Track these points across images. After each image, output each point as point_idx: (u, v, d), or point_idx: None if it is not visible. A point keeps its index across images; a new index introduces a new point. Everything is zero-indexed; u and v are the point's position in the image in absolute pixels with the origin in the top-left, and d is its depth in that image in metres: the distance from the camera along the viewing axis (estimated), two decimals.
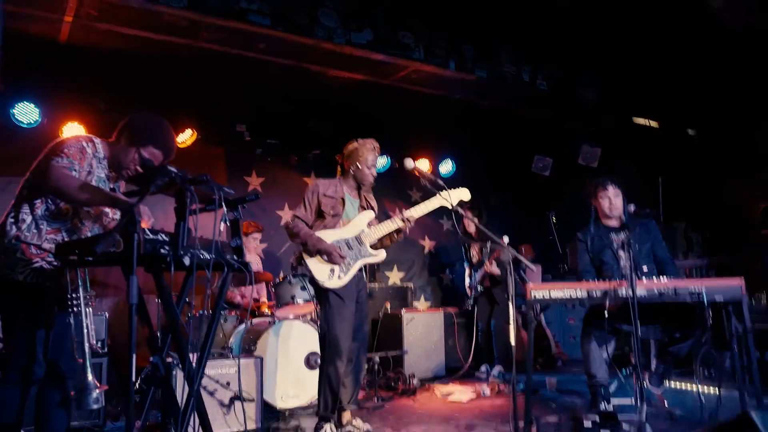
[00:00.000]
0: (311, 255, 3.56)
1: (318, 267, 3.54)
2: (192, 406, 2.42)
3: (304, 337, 4.54)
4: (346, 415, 3.68)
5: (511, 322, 2.98)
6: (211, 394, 3.68)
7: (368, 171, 3.72)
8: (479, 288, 6.02)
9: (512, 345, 2.99)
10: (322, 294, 3.60)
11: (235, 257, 2.70)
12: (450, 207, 3.29)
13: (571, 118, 6.67)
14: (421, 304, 7.30)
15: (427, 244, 7.56)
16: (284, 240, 6.42)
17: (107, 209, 2.77)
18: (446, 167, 7.36)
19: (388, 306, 6.24)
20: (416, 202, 7.30)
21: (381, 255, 3.76)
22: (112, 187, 2.77)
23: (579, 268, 4.06)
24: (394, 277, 7.12)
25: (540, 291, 3.61)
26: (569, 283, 3.63)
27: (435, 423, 3.95)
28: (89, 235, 2.70)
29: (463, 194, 3.72)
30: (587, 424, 3.49)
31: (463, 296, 7.19)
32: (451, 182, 6.33)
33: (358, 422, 3.68)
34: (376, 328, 5.88)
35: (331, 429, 3.52)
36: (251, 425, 3.72)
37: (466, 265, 6.25)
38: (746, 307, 3.31)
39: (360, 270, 3.70)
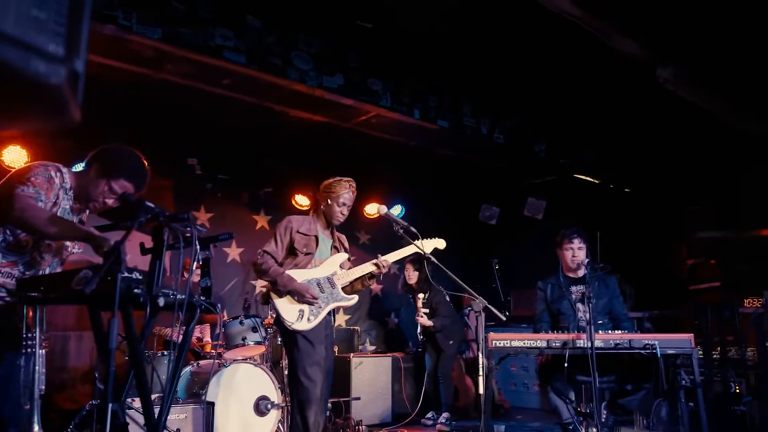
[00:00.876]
0: (280, 295, 3.42)
1: (287, 307, 3.40)
2: None
3: (254, 381, 4.37)
4: None
5: (481, 371, 2.98)
6: None
7: (338, 209, 3.62)
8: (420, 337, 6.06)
9: (482, 393, 2.98)
10: (289, 337, 3.43)
11: (202, 298, 2.62)
12: (423, 254, 3.29)
13: (522, 171, 6.94)
14: (368, 347, 7.22)
15: (374, 287, 7.54)
16: (230, 278, 6.25)
17: (68, 243, 2.61)
18: (395, 211, 7.43)
19: (336, 350, 6.12)
20: (365, 245, 7.46)
21: (353, 299, 3.68)
22: (76, 219, 2.62)
23: (536, 315, 4.16)
24: (340, 319, 7.02)
25: (501, 340, 3.67)
26: (530, 334, 3.71)
27: None
28: (48, 270, 2.53)
29: (439, 243, 3.73)
30: None
31: (409, 340, 7.21)
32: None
33: None
34: None
35: None
36: None
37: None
38: (696, 360, 3.47)
39: (329, 313, 3.59)
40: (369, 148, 6.26)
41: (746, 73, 4.92)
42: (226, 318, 4.70)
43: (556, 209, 7.19)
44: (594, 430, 4.48)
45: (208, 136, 5.82)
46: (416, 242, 3.32)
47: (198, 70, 4.08)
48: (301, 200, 6.68)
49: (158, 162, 5.78)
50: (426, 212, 7.45)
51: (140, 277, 2.16)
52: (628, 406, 4.07)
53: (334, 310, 3.61)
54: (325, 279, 3.57)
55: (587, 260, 4.09)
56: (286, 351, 3.49)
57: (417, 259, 5.72)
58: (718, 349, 4.87)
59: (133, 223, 1.99)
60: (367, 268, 3.61)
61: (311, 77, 4.17)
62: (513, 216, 7.34)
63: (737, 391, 4.84)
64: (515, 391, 7.13)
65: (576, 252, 4.12)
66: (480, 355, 3.00)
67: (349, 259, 3.74)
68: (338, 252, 3.76)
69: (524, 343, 3.67)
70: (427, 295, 5.97)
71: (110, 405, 2.28)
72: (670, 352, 3.49)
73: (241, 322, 4.61)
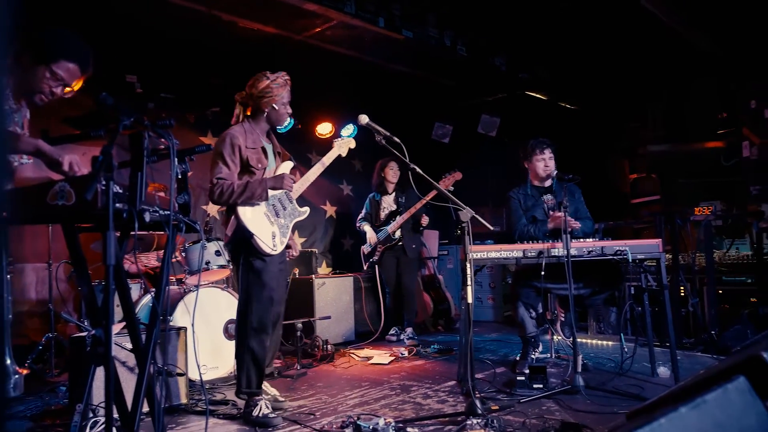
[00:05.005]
0: (250, 220, 3.18)
1: (262, 232, 3.18)
2: (144, 390, 2.14)
3: (222, 305, 4.26)
4: None
5: (469, 282, 2.98)
6: (132, 369, 3.32)
7: (284, 110, 3.33)
8: (376, 251, 5.96)
9: (469, 303, 2.99)
10: (245, 260, 3.21)
11: (181, 215, 2.44)
12: (408, 163, 3.16)
13: (475, 88, 6.84)
14: (324, 269, 7.19)
15: (329, 209, 7.43)
16: None
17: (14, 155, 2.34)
18: (347, 131, 7.24)
19: (297, 272, 6.06)
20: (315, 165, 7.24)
21: (306, 211, 3.56)
22: (17, 119, 2.34)
23: (514, 221, 4.19)
24: (296, 242, 6.91)
25: (478, 251, 3.69)
26: (506, 245, 3.74)
27: (368, 386, 3.90)
28: None
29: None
30: (520, 377, 3.64)
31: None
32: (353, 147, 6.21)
33: (265, 385, 3.42)
34: None
35: (266, 406, 3.19)
36: (180, 400, 3.42)
37: (362, 224, 6.14)
38: (663, 264, 3.62)
39: None
40: (321, 64, 5.98)
41: None
42: (182, 240, 4.50)
43: (507, 127, 7.21)
44: (558, 337, 4.69)
45: (149, 50, 5.35)
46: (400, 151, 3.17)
47: None
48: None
49: (92, 79, 5.40)
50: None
51: (121, 191, 1.96)
52: (592, 305, 4.28)
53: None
54: (284, 194, 3.38)
55: (556, 171, 4.14)
56: (240, 275, 3.25)
57: (402, 162, 5.55)
58: (670, 255, 5.12)
59: (118, 127, 1.76)
60: (312, 176, 3.55)
61: None
62: (466, 134, 7.32)
63: (684, 294, 5.15)
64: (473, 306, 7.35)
65: (548, 162, 4.17)
66: (468, 266, 2.99)
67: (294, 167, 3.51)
68: (281, 158, 3.53)
69: (501, 254, 3.71)
70: (401, 198, 5.95)
71: (94, 331, 2.14)
72: (640, 257, 3.62)
73: (203, 246, 4.43)
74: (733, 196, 5.68)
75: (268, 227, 3.27)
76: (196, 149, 2.51)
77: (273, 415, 3.14)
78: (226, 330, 4.24)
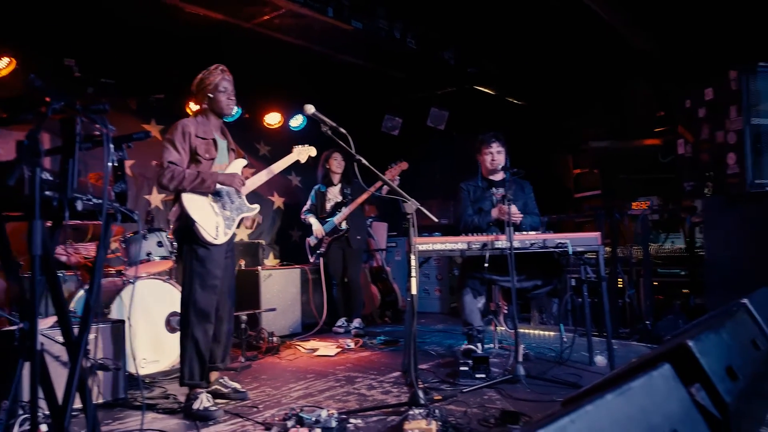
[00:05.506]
0: (193, 208, 3.15)
1: (206, 222, 3.17)
2: (75, 385, 2.07)
3: (164, 297, 4.15)
4: (214, 375, 3.43)
5: (414, 274, 3.00)
6: (66, 364, 3.19)
7: (224, 96, 3.31)
8: (323, 243, 5.93)
9: (414, 294, 3.01)
10: (189, 249, 3.20)
11: (117, 204, 2.35)
12: (354, 155, 3.15)
13: (424, 82, 6.87)
14: (271, 261, 7.11)
15: (277, 200, 7.34)
16: None
17: None
18: (297, 121, 7.18)
19: (242, 263, 5.96)
20: (265, 156, 7.16)
21: (257, 208, 3.55)
22: None
23: (461, 212, 4.25)
24: (242, 233, 6.80)
25: (423, 243, 3.72)
26: (451, 237, 3.79)
27: (313, 378, 3.89)
28: None
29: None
30: (463, 368, 3.70)
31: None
32: (302, 137, 6.19)
33: (225, 381, 3.44)
34: None
35: (207, 399, 3.15)
36: (115, 395, 3.32)
37: (308, 216, 6.10)
38: (602, 256, 3.73)
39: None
40: (270, 53, 5.88)
41: None
42: (122, 231, 4.36)
43: (456, 121, 7.29)
44: (501, 328, 4.78)
45: (88, 34, 5.14)
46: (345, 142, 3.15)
47: None
48: (195, 106, 6.20)
49: (29, 62, 5.15)
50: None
51: (51, 178, 1.87)
52: (535, 298, 4.37)
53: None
54: (233, 189, 3.39)
55: (506, 165, 4.21)
56: (184, 263, 3.25)
57: (347, 153, 5.50)
58: (608, 248, 5.28)
59: (47, 111, 1.67)
60: (266, 177, 3.58)
61: None
62: (416, 127, 7.35)
63: (621, 285, 5.34)
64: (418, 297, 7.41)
65: (495, 156, 4.23)
66: (412, 257, 3.00)
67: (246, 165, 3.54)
68: (235, 155, 3.54)
69: (446, 246, 3.75)
70: (347, 190, 5.93)
71: (22, 324, 2.04)
72: (580, 249, 3.72)
73: (144, 237, 4.30)
74: (669, 191, 5.92)
75: (212, 217, 3.24)
76: (134, 136, 2.40)
77: (214, 408, 3.09)
78: (168, 323, 4.14)
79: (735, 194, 4.21)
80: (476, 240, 3.73)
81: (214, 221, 3.22)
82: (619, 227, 5.53)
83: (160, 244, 4.33)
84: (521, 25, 5.74)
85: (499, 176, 4.30)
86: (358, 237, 5.98)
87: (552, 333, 5.44)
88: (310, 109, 3.11)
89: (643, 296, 5.16)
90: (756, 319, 2.54)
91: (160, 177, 3.15)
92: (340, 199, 5.98)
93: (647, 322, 4.91)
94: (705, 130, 4.45)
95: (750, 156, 4.04)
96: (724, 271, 4.35)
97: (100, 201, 2.08)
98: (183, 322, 3.23)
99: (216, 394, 3.32)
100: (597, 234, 3.73)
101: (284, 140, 6.94)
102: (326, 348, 4.89)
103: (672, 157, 6.11)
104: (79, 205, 1.95)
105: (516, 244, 3.62)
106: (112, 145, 2.22)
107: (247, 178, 3.52)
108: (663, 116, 6.47)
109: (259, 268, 5.65)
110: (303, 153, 3.89)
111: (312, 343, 5.12)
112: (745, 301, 2.58)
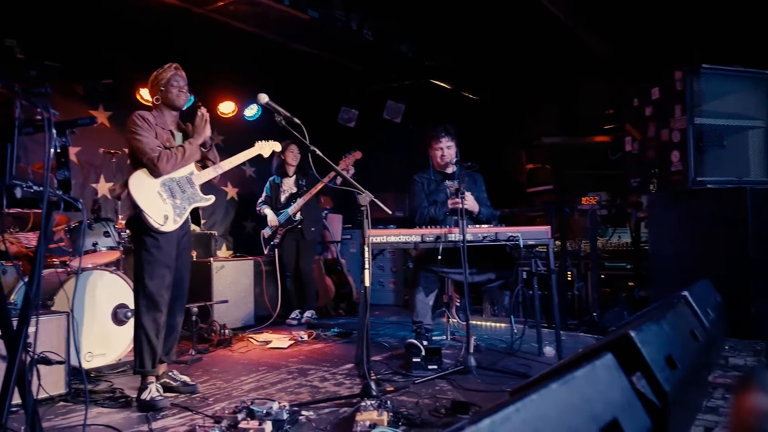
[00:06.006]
0: (140, 196, 3.11)
1: (153, 209, 3.12)
2: (14, 380, 2.00)
3: (111, 289, 4.02)
4: (162, 368, 3.38)
5: (367, 266, 3.00)
6: (5, 358, 3.07)
7: (173, 89, 3.31)
8: (277, 234, 5.88)
9: (367, 286, 3.01)
10: (139, 238, 3.19)
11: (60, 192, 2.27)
12: (308, 145, 3.12)
13: (381, 74, 6.86)
14: (224, 252, 7.00)
15: (231, 191, 7.22)
16: None
17: None
18: (252, 111, 7.06)
19: (195, 255, 5.84)
20: (218, 146, 6.93)
21: (211, 199, 3.50)
22: None
23: (416, 204, 4.27)
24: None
25: (378, 236, 3.72)
26: (405, 230, 3.81)
27: (265, 371, 3.85)
28: None
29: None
30: (415, 359, 3.73)
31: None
32: (256, 127, 6.07)
33: (175, 374, 3.41)
34: None
35: (157, 389, 3.12)
36: (58, 390, 3.21)
37: (263, 207, 6.03)
38: (552, 250, 3.82)
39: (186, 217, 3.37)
40: (224, 40, 5.76)
41: None
42: (67, 220, 4.21)
43: (412, 113, 7.32)
44: (453, 320, 4.84)
45: (32, 13, 4.92)
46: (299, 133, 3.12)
47: None
48: (147, 95, 6.00)
49: None
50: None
51: None
52: (488, 291, 4.44)
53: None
54: (184, 179, 3.34)
55: (456, 159, 4.25)
56: (134, 253, 3.25)
57: (302, 144, 5.46)
58: (558, 242, 5.41)
59: None
60: (227, 166, 3.52)
61: None
62: (372, 119, 7.35)
63: (570, 278, 5.48)
64: (373, 290, 7.44)
65: (445, 151, 4.26)
66: (366, 249, 3.00)
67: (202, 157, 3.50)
68: None
69: (400, 239, 3.77)
70: (302, 181, 5.88)
71: None
72: (530, 242, 3.80)
73: (90, 227, 4.16)
74: (617, 187, 6.10)
75: (160, 205, 3.19)
76: (79, 122, 2.32)
77: (160, 398, 3.05)
78: (114, 315, 4.01)
79: (678, 191, 4.37)
80: (430, 233, 3.76)
81: (162, 209, 3.17)
82: (568, 221, 5.67)
83: (107, 234, 4.21)
84: (479, 20, 5.79)
85: (451, 169, 4.34)
86: (313, 228, 5.95)
87: (503, 325, 5.54)
88: (263, 98, 3.07)
89: (591, 289, 5.31)
90: (695, 311, 2.65)
91: (159, 161, 3.15)
92: (295, 190, 5.94)
93: (594, 314, 5.06)
94: (651, 128, 4.60)
95: (693, 154, 4.19)
96: (667, 264, 4.52)
97: (41, 188, 2.01)
98: (135, 311, 3.25)
99: (165, 388, 3.27)
100: (547, 228, 3.81)
101: (238, 130, 6.84)
102: (279, 340, 4.85)
103: (620, 154, 6.30)
104: (18, 192, 1.88)
105: (469, 237, 3.67)
106: (54, 130, 2.15)
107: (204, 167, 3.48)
108: (613, 114, 6.65)
109: (212, 259, 5.55)
110: (266, 148, 3.86)
111: (265, 336, 5.07)
112: (686, 293, 2.69)
